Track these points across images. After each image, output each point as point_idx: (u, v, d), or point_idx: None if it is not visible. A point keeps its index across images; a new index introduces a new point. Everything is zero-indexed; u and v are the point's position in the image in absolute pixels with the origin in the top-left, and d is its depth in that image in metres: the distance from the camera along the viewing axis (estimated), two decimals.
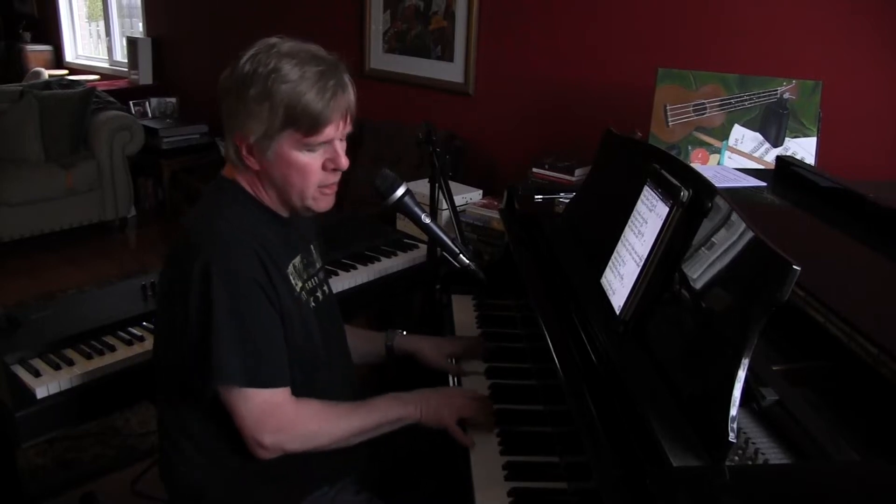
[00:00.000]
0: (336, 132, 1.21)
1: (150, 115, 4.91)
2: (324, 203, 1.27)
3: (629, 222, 1.24)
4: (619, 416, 0.97)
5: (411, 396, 1.34)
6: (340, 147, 1.24)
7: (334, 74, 1.19)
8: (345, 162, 1.24)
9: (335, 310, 1.48)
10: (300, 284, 1.32)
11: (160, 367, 1.31)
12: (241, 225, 1.22)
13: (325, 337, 1.36)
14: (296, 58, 1.17)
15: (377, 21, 3.57)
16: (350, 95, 1.21)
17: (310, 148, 1.20)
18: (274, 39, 1.20)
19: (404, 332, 1.64)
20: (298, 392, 1.26)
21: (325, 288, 1.43)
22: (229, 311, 1.15)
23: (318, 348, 1.32)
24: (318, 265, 1.43)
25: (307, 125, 1.17)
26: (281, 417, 1.20)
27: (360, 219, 2.61)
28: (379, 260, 2.27)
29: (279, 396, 1.20)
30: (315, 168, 1.22)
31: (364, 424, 1.28)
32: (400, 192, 1.43)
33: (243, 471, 1.27)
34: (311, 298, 1.35)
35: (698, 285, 1.01)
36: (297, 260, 1.33)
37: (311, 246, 1.42)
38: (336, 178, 1.26)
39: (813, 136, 2.02)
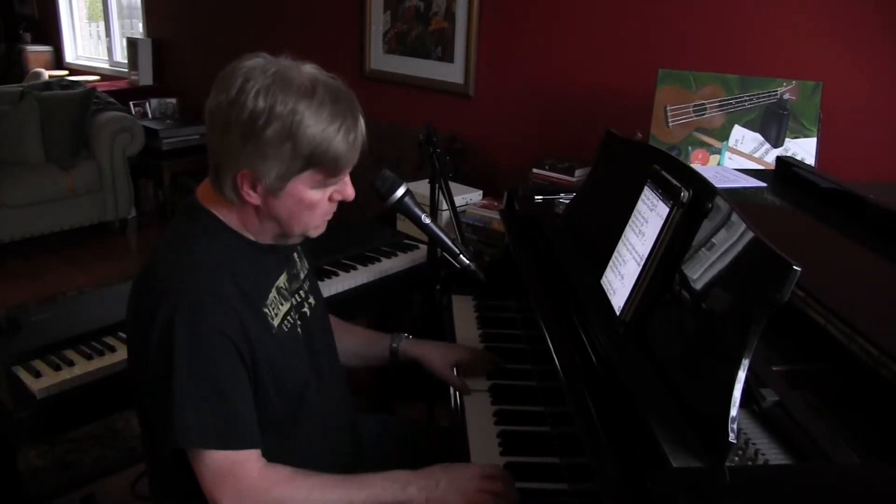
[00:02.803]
0: (350, 168, 1.17)
1: (150, 115, 4.90)
2: (319, 231, 1.23)
3: (630, 222, 1.24)
4: (620, 417, 0.97)
5: (415, 476, 1.16)
6: (348, 178, 1.20)
7: (352, 112, 1.13)
8: (352, 192, 1.20)
9: (324, 317, 1.42)
10: (284, 308, 1.25)
11: (136, 401, 1.24)
12: (215, 262, 1.14)
13: (315, 355, 1.30)
14: (313, 96, 1.08)
15: (377, 22, 3.58)
16: (363, 130, 1.16)
17: (325, 185, 1.15)
18: (272, 67, 1.09)
19: (409, 336, 1.60)
20: (288, 424, 1.21)
21: (312, 299, 1.37)
22: (190, 369, 1.06)
23: (307, 373, 1.26)
24: (302, 274, 1.36)
25: (331, 168, 1.12)
26: (241, 480, 1.10)
27: (360, 219, 2.61)
28: (379, 260, 2.28)
29: (241, 456, 1.11)
30: (324, 202, 1.18)
31: (348, 501, 1.13)
32: (400, 192, 1.43)
33: None
34: (298, 317, 1.29)
35: (698, 286, 1.01)
36: (281, 280, 1.26)
37: (294, 254, 1.36)
38: (336, 206, 1.22)
39: (813, 136, 2.02)
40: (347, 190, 1.19)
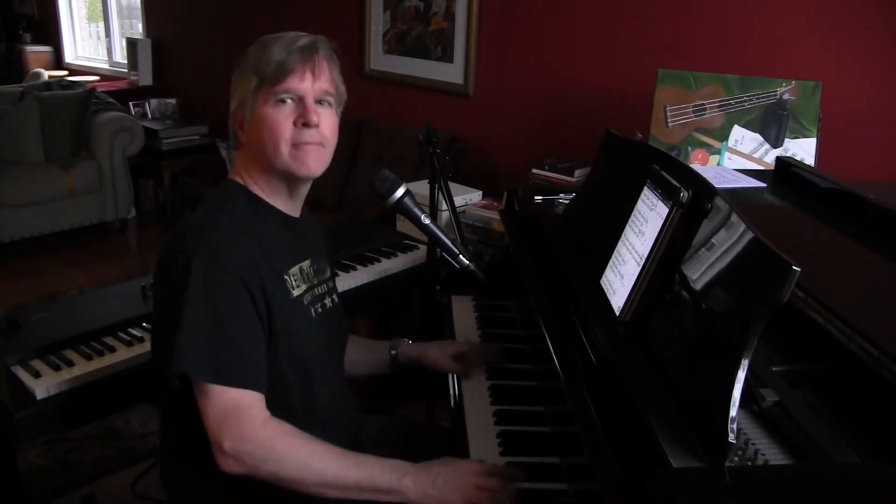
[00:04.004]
0: (301, 83, 1.21)
1: (149, 116, 4.91)
2: (302, 164, 1.23)
3: (630, 222, 1.24)
4: (620, 417, 0.97)
5: (413, 469, 1.14)
6: (313, 106, 1.22)
7: (309, 38, 1.24)
8: (314, 118, 1.21)
9: (341, 324, 1.44)
10: (304, 287, 1.29)
11: (156, 374, 1.27)
12: (242, 220, 1.21)
13: (324, 348, 1.32)
14: (283, 34, 1.24)
15: (377, 22, 3.58)
16: (324, 56, 1.24)
17: (278, 100, 1.20)
18: None
19: (409, 342, 1.62)
20: (284, 404, 1.21)
21: (335, 297, 1.41)
22: (203, 301, 1.11)
23: (313, 358, 1.28)
24: (327, 274, 1.41)
25: (271, 75, 1.20)
26: (245, 423, 1.11)
27: (360, 220, 2.62)
28: (379, 261, 2.28)
29: (247, 400, 1.13)
30: (283, 122, 1.21)
31: (343, 475, 1.12)
32: (399, 192, 1.43)
33: (242, 489, 1.17)
34: (318, 305, 1.33)
35: (698, 286, 1.01)
36: (305, 264, 1.31)
37: (322, 257, 1.41)
38: (309, 136, 1.22)
39: (813, 136, 2.02)
40: (309, 114, 1.22)
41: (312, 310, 1.31)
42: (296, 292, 1.27)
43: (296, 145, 1.22)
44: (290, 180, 1.28)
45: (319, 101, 1.24)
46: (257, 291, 1.17)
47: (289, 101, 1.21)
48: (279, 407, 1.19)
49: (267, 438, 1.12)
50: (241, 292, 1.15)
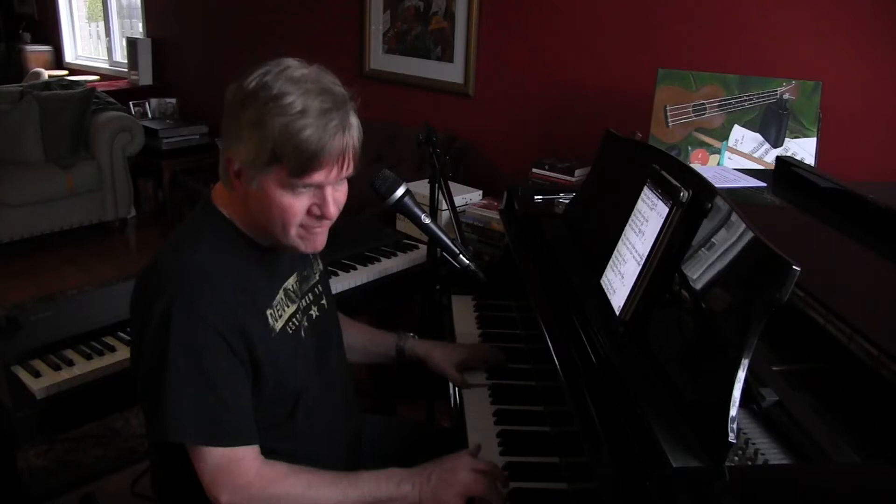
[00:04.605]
0: (327, 177, 1.09)
1: (149, 115, 4.91)
2: (309, 245, 1.17)
3: (630, 221, 1.24)
4: (619, 416, 0.97)
5: (408, 473, 1.18)
6: (332, 193, 1.13)
7: (339, 113, 1.08)
8: (332, 211, 1.13)
9: (333, 320, 1.42)
10: (290, 311, 1.24)
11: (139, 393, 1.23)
12: (218, 260, 1.13)
13: (322, 357, 1.30)
14: (302, 88, 1.06)
15: (377, 21, 3.58)
16: (353, 137, 1.10)
17: (295, 188, 1.09)
18: (289, 61, 1.11)
19: (415, 336, 1.61)
20: (285, 422, 1.21)
21: (324, 300, 1.38)
22: (185, 363, 1.07)
23: (309, 374, 1.26)
24: (317, 275, 1.37)
25: (296, 166, 1.06)
26: (240, 476, 1.11)
27: (360, 219, 2.61)
28: (379, 260, 2.28)
29: (239, 454, 1.12)
30: (298, 210, 1.11)
31: (343, 498, 1.14)
32: (399, 192, 1.43)
33: None
34: (305, 319, 1.28)
35: (698, 286, 1.01)
36: (290, 281, 1.26)
37: (310, 254, 1.35)
38: (322, 224, 1.16)
39: (813, 136, 2.02)
40: (327, 207, 1.12)
41: (302, 329, 1.27)
42: (279, 324, 1.21)
43: (306, 227, 1.15)
44: (281, 244, 1.19)
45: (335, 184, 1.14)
46: (237, 341, 1.11)
47: (306, 190, 1.11)
48: (274, 434, 1.20)
49: (263, 486, 1.13)
50: (221, 345, 1.10)
